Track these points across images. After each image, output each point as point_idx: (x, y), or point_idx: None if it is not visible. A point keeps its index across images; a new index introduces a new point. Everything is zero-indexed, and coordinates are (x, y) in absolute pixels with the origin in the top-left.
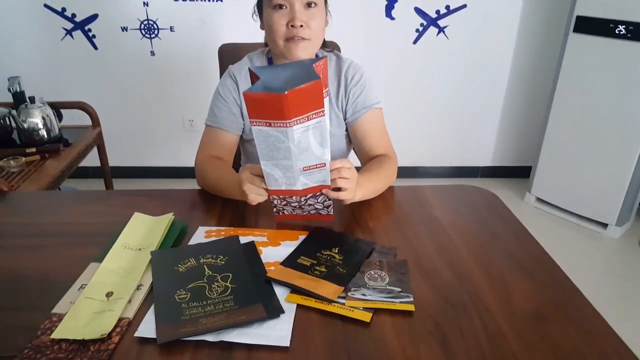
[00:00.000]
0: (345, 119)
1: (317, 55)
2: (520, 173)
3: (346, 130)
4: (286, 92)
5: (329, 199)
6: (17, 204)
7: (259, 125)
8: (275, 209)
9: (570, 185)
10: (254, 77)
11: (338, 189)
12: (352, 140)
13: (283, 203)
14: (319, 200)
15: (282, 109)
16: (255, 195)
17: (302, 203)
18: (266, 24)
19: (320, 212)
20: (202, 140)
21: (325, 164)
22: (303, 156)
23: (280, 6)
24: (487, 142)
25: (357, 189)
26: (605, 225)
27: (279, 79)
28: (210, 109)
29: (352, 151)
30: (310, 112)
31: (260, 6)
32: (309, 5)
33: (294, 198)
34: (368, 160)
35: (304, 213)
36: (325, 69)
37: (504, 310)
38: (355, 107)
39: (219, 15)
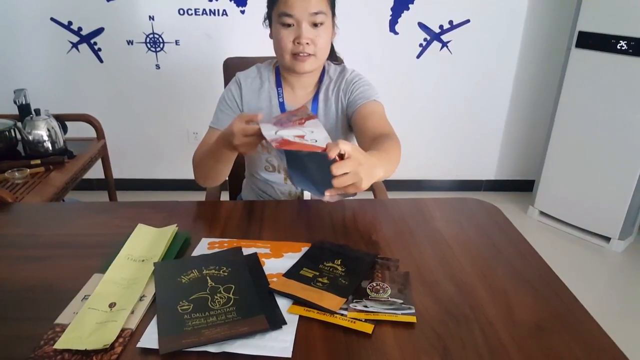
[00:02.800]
0: (347, 113)
1: (324, 67)
2: (523, 187)
3: (350, 130)
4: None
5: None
6: (22, 215)
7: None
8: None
9: (574, 199)
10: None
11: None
12: (354, 128)
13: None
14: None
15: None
16: (247, 147)
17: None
18: (274, 38)
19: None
20: (202, 139)
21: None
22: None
23: (289, 24)
24: (491, 155)
25: (372, 176)
26: (608, 239)
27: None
28: (215, 112)
29: None
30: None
31: (270, 16)
32: (315, 24)
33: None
34: (371, 142)
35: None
36: None
37: (506, 322)
38: (356, 97)
39: (224, 30)
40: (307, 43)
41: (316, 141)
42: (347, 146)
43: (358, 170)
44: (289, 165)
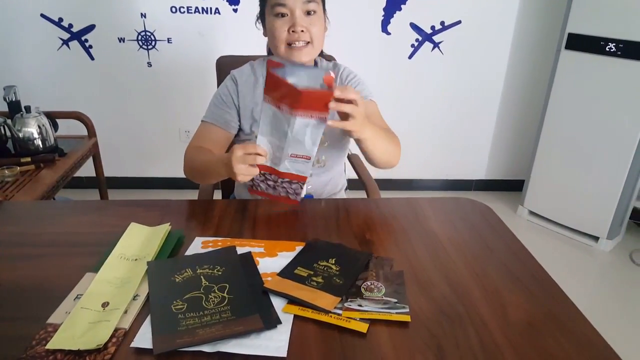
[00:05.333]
0: None
1: (315, 62)
2: (513, 186)
3: None
4: (301, 91)
5: (301, 187)
6: (12, 214)
7: (269, 103)
8: (251, 182)
9: (562, 199)
10: (275, 64)
11: (345, 117)
12: None
13: (261, 179)
14: (292, 187)
15: (294, 101)
16: (244, 176)
17: (277, 184)
18: (269, 31)
19: (289, 196)
20: (196, 133)
21: (310, 157)
22: (295, 145)
23: (282, 14)
24: (481, 155)
25: (367, 125)
26: (596, 239)
27: (300, 76)
28: (209, 107)
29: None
30: (315, 112)
31: (263, 14)
32: (308, 13)
33: (272, 176)
34: None
35: (275, 194)
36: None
37: (499, 321)
38: None
39: (217, 28)
40: (302, 31)
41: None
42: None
43: (357, 110)
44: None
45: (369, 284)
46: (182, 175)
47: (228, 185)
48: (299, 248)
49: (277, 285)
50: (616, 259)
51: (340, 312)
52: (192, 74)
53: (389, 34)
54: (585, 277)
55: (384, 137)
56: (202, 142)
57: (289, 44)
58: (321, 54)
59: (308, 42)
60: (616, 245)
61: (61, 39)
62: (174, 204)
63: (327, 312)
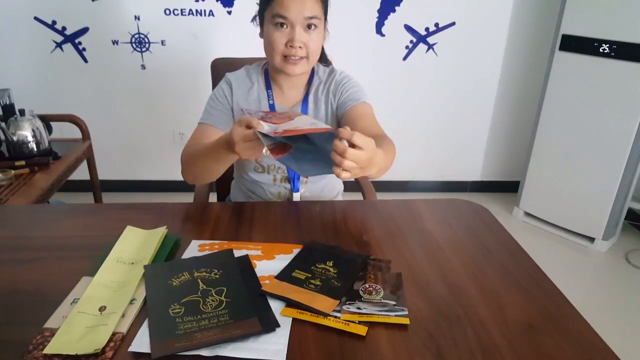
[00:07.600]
0: (337, 114)
1: (313, 68)
2: (508, 188)
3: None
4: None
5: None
6: (7, 218)
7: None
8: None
9: (558, 200)
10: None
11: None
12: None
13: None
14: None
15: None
16: (251, 152)
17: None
18: (266, 38)
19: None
20: (192, 135)
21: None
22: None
23: (282, 24)
24: (476, 157)
25: (373, 165)
26: (592, 240)
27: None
28: (204, 110)
29: None
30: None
31: (262, 15)
32: (309, 27)
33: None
34: None
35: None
36: None
37: (497, 322)
38: (346, 99)
39: (211, 30)
40: (300, 47)
41: (314, 124)
42: (362, 139)
43: (360, 160)
44: (291, 154)
45: (368, 286)
46: (176, 177)
47: (224, 188)
48: (296, 251)
49: (275, 288)
50: (612, 260)
51: (339, 315)
52: (186, 77)
53: (383, 35)
54: (581, 278)
55: (384, 159)
56: (199, 141)
57: (285, 56)
58: (322, 59)
59: (304, 57)
60: (612, 246)
61: (55, 41)
62: (170, 207)
63: (325, 315)
